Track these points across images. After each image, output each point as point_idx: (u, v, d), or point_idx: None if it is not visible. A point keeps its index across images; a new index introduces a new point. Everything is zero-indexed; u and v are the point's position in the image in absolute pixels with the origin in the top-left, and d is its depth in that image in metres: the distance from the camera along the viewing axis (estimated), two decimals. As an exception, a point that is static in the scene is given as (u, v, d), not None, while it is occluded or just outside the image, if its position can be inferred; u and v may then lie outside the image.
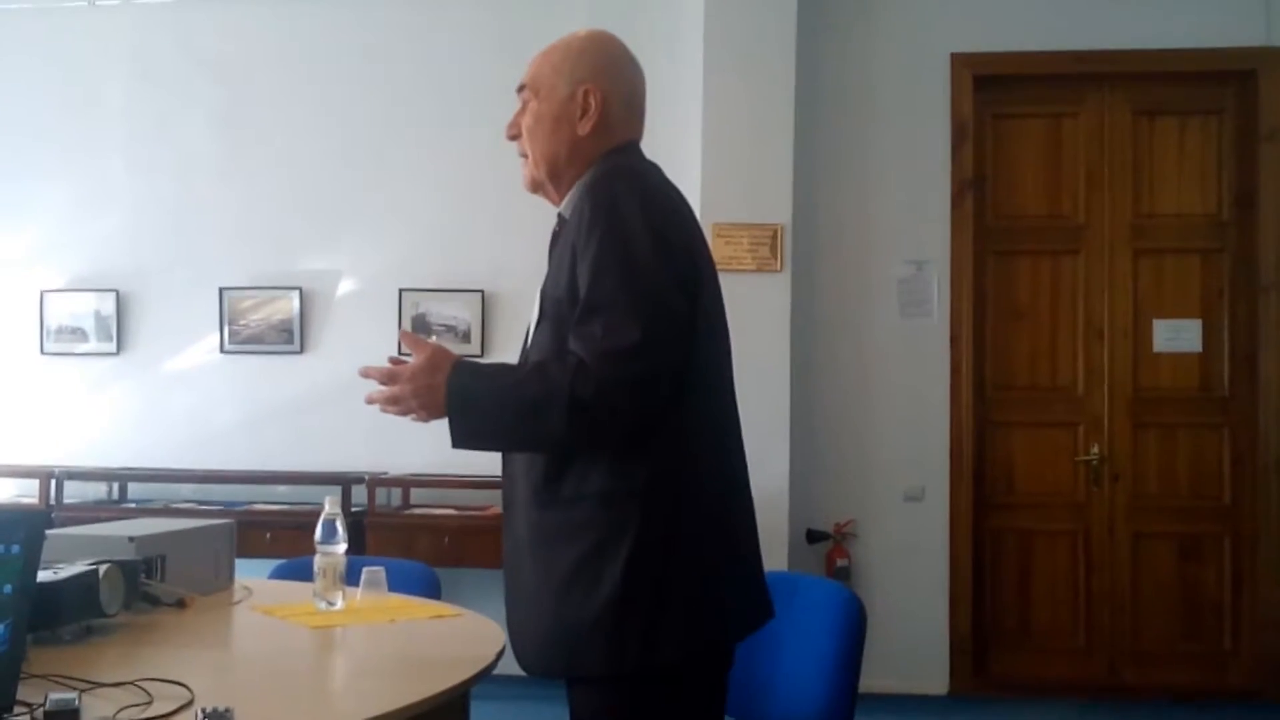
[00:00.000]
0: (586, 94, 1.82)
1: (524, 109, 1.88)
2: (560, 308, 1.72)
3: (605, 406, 1.63)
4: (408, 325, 4.93)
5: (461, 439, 1.72)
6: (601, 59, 1.86)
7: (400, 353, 1.87)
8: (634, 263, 1.66)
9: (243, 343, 5.13)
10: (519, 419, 1.69)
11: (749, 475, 1.86)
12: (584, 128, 1.82)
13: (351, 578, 2.34)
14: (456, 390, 1.71)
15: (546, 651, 1.74)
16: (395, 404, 1.76)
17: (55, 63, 5.30)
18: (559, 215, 1.89)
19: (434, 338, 1.82)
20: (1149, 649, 4.78)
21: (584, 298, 1.67)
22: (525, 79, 1.89)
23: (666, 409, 1.67)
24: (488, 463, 1.85)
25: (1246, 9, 4.71)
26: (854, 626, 2.15)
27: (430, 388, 1.72)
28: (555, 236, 1.87)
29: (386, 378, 1.77)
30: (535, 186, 1.90)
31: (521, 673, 1.79)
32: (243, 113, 5.17)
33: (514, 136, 1.90)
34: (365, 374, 1.80)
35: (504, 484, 1.85)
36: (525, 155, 1.89)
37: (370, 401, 1.80)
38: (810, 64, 4.76)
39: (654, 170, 1.85)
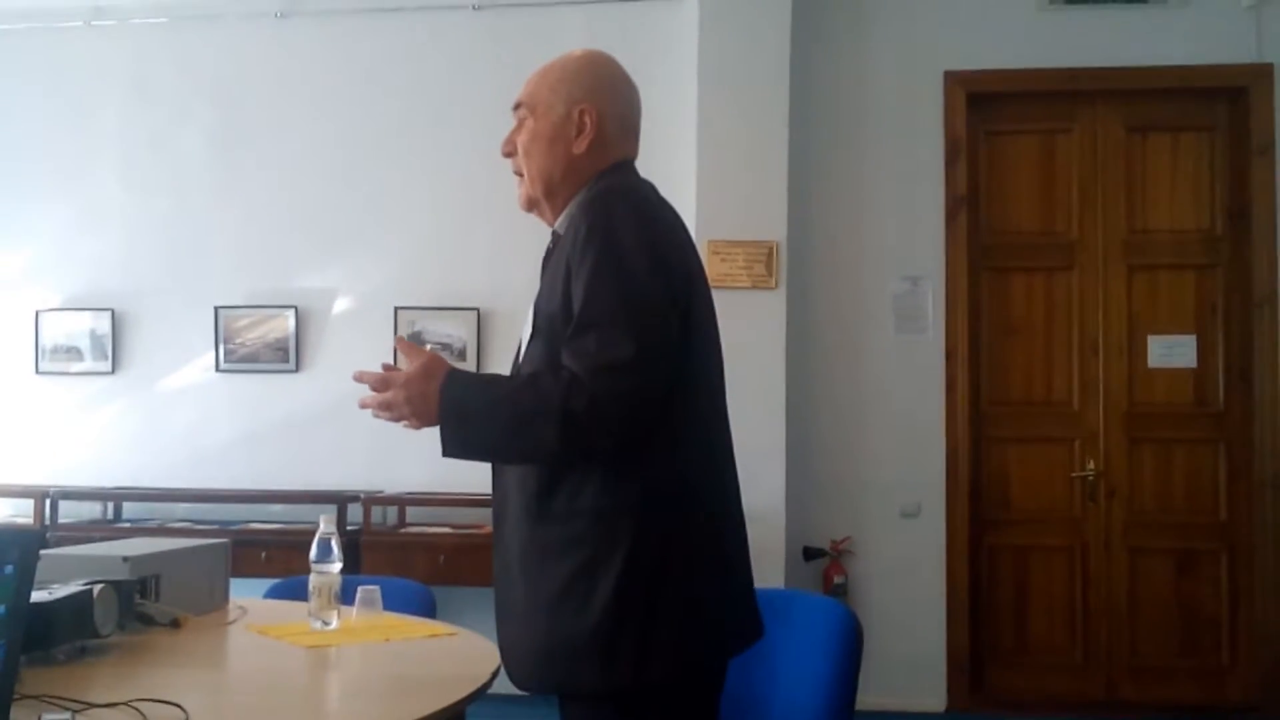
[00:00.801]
0: (582, 113, 1.83)
1: (519, 127, 1.89)
2: (553, 323, 1.72)
3: (597, 420, 1.63)
4: (403, 343, 4.92)
5: (452, 448, 1.72)
6: (597, 78, 1.87)
7: (396, 363, 1.87)
8: (629, 279, 1.67)
9: (238, 361, 5.12)
10: (511, 429, 1.69)
11: (741, 491, 1.86)
12: (579, 146, 1.83)
13: (347, 597, 2.34)
14: (449, 398, 1.71)
15: (538, 667, 1.73)
16: (388, 410, 1.76)
17: (53, 83, 5.31)
18: (553, 232, 1.89)
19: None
20: (1147, 664, 4.77)
21: (578, 313, 1.67)
22: (521, 97, 1.90)
23: (656, 423, 1.68)
24: (483, 481, 1.84)
25: (1237, 26, 4.74)
26: (851, 643, 2.15)
27: (423, 395, 1.72)
28: (549, 253, 1.87)
29: (380, 384, 1.77)
30: (530, 205, 1.91)
31: (517, 691, 1.79)
32: (239, 132, 5.18)
33: (509, 154, 1.91)
34: (359, 379, 1.80)
35: (495, 499, 1.84)
36: (520, 174, 1.90)
37: (363, 406, 1.80)
38: (804, 82, 4.78)
39: (649, 188, 1.85)
